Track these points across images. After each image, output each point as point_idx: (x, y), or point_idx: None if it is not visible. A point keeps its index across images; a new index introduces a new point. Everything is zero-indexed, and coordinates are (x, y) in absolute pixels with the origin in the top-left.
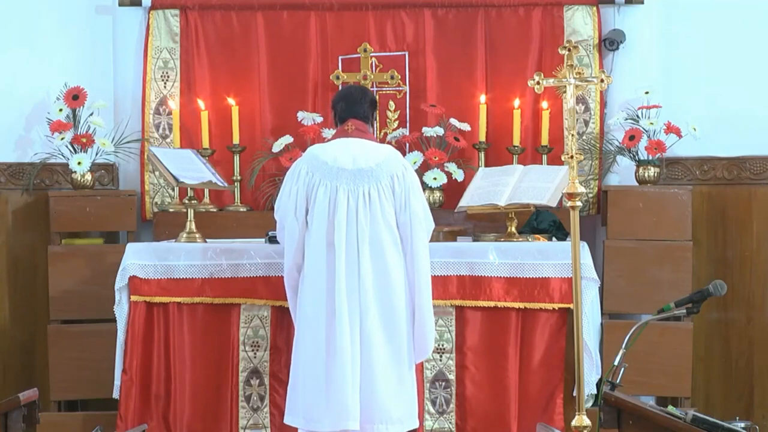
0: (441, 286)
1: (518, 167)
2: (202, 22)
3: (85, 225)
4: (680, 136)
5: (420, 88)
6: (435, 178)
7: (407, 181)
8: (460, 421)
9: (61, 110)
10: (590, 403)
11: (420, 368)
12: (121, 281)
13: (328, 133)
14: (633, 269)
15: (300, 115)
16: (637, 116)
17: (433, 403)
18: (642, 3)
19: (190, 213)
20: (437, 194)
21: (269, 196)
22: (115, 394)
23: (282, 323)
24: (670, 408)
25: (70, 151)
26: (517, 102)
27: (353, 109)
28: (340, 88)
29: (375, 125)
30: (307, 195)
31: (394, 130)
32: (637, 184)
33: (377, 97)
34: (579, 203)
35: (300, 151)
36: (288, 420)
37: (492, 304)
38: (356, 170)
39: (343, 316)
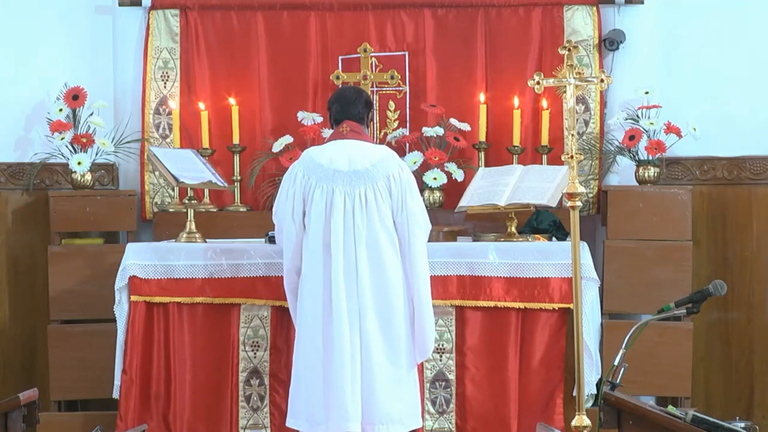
0: (441, 286)
1: (518, 167)
2: (202, 22)
3: (85, 225)
4: (680, 136)
5: (420, 88)
6: (435, 178)
7: (404, 182)
8: (460, 421)
9: (61, 110)
10: (590, 403)
11: (420, 368)
12: (121, 281)
13: (327, 133)
14: (633, 269)
15: (300, 115)
16: (637, 116)
17: (433, 403)
18: (642, 3)
19: (190, 213)
20: (437, 194)
21: (269, 196)
22: (115, 394)
23: (282, 323)
24: (670, 408)
25: (70, 151)
26: (517, 102)
27: (348, 111)
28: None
29: (371, 125)
30: (304, 197)
31: (394, 130)
32: (637, 184)
33: (377, 97)
34: (579, 203)
35: (300, 151)
36: (290, 423)
37: (492, 304)
38: (352, 172)
39: (342, 318)
